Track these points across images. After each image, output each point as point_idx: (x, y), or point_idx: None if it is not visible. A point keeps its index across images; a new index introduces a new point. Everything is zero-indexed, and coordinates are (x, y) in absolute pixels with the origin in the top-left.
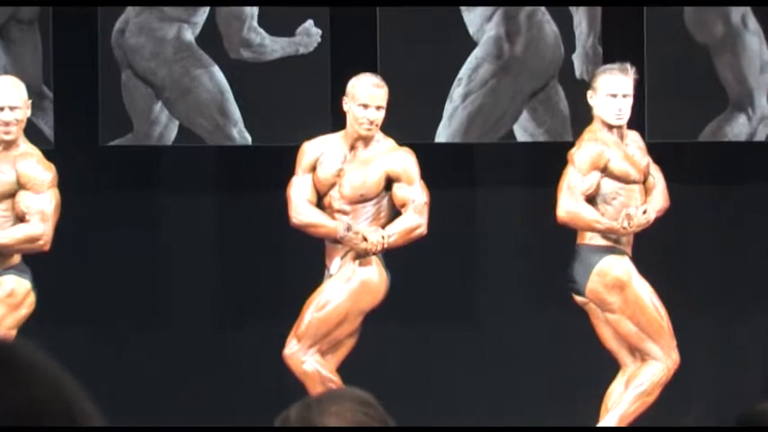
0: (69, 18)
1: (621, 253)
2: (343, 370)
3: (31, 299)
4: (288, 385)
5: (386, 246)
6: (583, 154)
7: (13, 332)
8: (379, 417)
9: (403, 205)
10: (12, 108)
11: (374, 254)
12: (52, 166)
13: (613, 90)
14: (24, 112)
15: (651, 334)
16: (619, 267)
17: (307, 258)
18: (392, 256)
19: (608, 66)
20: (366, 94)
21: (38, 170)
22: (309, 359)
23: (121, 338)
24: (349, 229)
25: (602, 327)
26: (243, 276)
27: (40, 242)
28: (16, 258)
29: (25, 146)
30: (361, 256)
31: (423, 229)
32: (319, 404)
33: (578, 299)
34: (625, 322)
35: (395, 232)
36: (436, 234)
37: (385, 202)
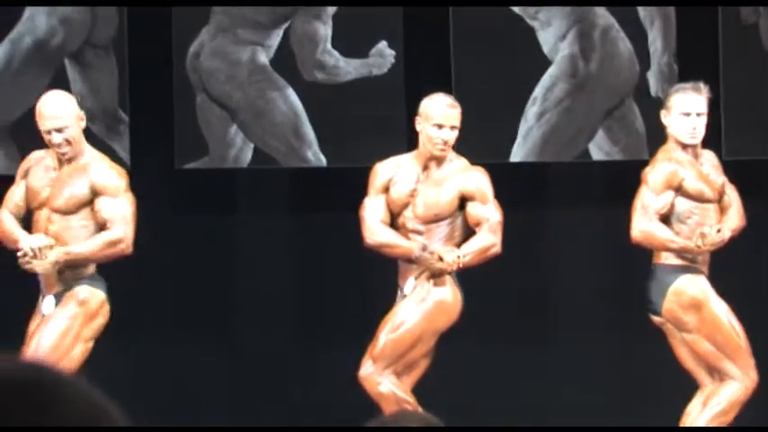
0: (144, 42)
1: (698, 272)
2: (417, 390)
3: (106, 309)
4: (363, 407)
5: (461, 265)
6: (657, 173)
7: (91, 343)
8: None
9: (477, 224)
10: (59, 130)
11: (449, 273)
12: (124, 171)
13: (687, 109)
14: (77, 126)
15: (729, 353)
16: (695, 287)
17: (381, 279)
18: (466, 276)
19: (681, 85)
20: (440, 114)
21: (111, 175)
22: (385, 380)
23: (196, 358)
24: (425, 249)
25: (679, 347)
26: (317, 297)
27: (122, 245)
28: (90, 269)
29: (91, 153)
30: (436, 276)
31: (497, 249)
32: (386, 423)
33: (655, 319)
34: (702, 342)
35: (470, 252)
36: (511, 254)
37: (459, 221)
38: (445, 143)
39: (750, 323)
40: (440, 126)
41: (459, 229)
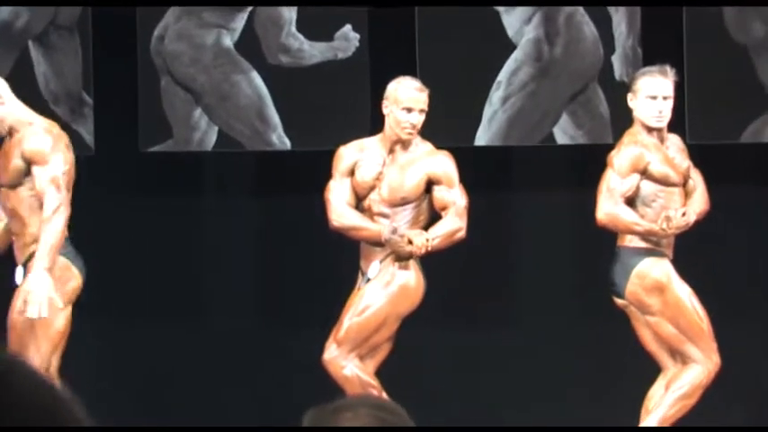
0: (108, 24)
1: (662, 255)
2: (381, 375)
3: (73, 271)
4: (327, 390)
5: (429, 248)
6: (622, 156)
7: (69, 308)
8: (397, 421)
9: (443, 208)
10: None
11: (418, 257)
12: (52, 130)
13: (653, 92)
14: None
15: (691, 337)
16: (658, 270)
17: (345, 263)
18: (431, 260)
19: (648, 68)
20: (409, 98)
21: (38, 141)
22: (349, 364)
23: (159, 341)
24: (394, 232)
25: (642, 329)
26: (282, 281)
27: (61, 208)
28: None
29: (17, 125)
30: (402, 260)
31: (463, 233)
32: (334, 409)
33: (618, 301)
34: (665, 325)
35: (438, 235)
36: (476, 237)
37: (424, 205)
38: (413, 127)
39: (714, 307)
40: (409, 110)
41: (425, 213)
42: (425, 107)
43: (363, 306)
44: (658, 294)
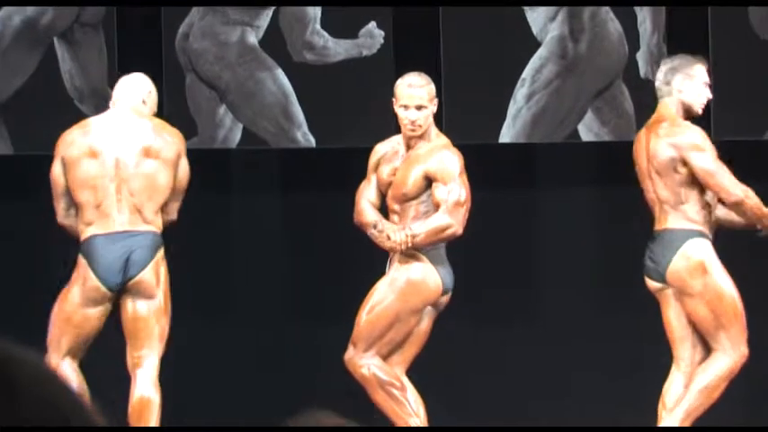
0: (133, 21)
1: (707, 237)
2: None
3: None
4: (352, 388)
5: (410, 245)
6: (701, 136)
7: (82, 307)
8: None
9: (438, 205)
10: None
11: (401, 252)
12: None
13: (707, 80)
14: None
15: (725, 323)
16: (704, 251)
17: (370, 258)
18: (456, 256)
19: (698, 56)
20: (404, 95)
21: None
22: (366, 363)
23: (186, 337)
24: (375, 226)
25: (672, 313)
26: (307, 278)
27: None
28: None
29: None
30: (408, 256)
31: (454, 229)
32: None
33: (652, 285)
34: (702, 307)
35: (421, 231)
36: (500, 234)
37: (431, 201)
38: (413, 123)
39: (749, 304)
40: (405, 107)
41: (433, 210)
42: (424, 102)
43: (372, 303)
44: (701, 275)
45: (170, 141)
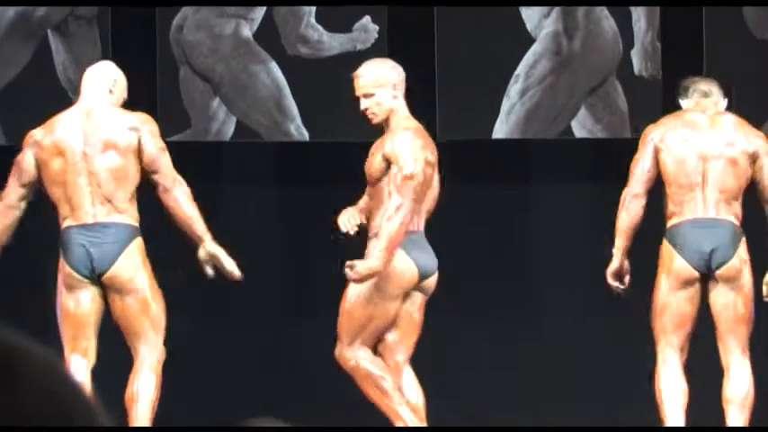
0: (128, 14)
1: None
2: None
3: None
4: (345, 380)
5: (378, 269)
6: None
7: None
8: None
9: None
10: None
11: (351, 237)
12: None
13: None
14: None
15: (749, 323)
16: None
17: (363, 253)
18: (448, 251)
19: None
20: (354, 86)
21: None
22: (353, 355)
23: (179, 333)
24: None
25: (720, 307)
26: (300, 272)
27: None
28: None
29: None
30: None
31: (405, 206)
32: None
33: (696, 274)
34: (749, 301)
35: (381, 249)
36: (493, 230)
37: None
38: (365, 111)
39: None
40: (358, 98)
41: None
42: (367, 90)
43: (349, 296)
44: (747, 271)
45: (129, 128)
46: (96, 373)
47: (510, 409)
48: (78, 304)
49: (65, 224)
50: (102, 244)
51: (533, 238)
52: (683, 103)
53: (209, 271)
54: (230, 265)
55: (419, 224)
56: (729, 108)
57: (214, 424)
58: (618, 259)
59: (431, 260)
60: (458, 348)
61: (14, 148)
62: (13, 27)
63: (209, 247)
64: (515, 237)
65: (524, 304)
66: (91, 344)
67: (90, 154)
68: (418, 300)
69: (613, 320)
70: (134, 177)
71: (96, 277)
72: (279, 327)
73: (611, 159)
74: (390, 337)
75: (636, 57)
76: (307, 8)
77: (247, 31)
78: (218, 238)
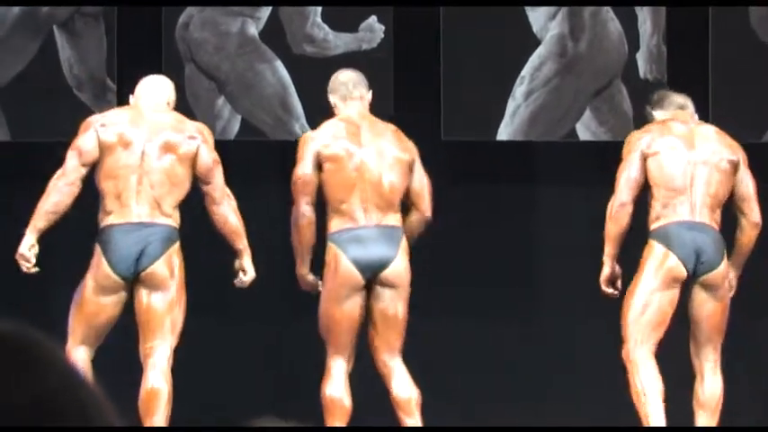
0: (134, 12)
1: None
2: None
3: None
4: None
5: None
6: None
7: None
8: None
9: None
10: None
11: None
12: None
13: None
14: None
15: (723, 332)
16: None
17: None
18: (450, 252)
19: None
20: None
21: None
22: (328, 363)
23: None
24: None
25: (706, 313)
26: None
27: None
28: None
29: None
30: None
31: (294, 212)
32: None
33: (680, 277)
34: (725, 312)
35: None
36: (496, 231)
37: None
38: None
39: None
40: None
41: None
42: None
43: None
44: (727, 281)
45: (190, 136)
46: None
47: (510, 410)
48: (104, 308)
49: (107, 221)
50: (151, 241)
51: (536, 240)
52: (658, 114)
53: (240, 281)
54: (247, 278)
55: (357, 218)
56: (732, 110)
57: (214, 423)
58: (609, 266)
59: (370, 252)
60: (459, 349)
61: (20, 145)
62: (19, 22)
63: (245, 262)
64: (518, 238)
65: (526, 305)
66: (99, 342)
67: (149, 153)
68: (385, 294)
69: (616, 323)
70: (185, 184)
71: (136, 275)
72: (282, 324)
73: (615, 162)
74: (370, 338)
75: (641, 59)
76: (312, 7)
77: (253, 30)
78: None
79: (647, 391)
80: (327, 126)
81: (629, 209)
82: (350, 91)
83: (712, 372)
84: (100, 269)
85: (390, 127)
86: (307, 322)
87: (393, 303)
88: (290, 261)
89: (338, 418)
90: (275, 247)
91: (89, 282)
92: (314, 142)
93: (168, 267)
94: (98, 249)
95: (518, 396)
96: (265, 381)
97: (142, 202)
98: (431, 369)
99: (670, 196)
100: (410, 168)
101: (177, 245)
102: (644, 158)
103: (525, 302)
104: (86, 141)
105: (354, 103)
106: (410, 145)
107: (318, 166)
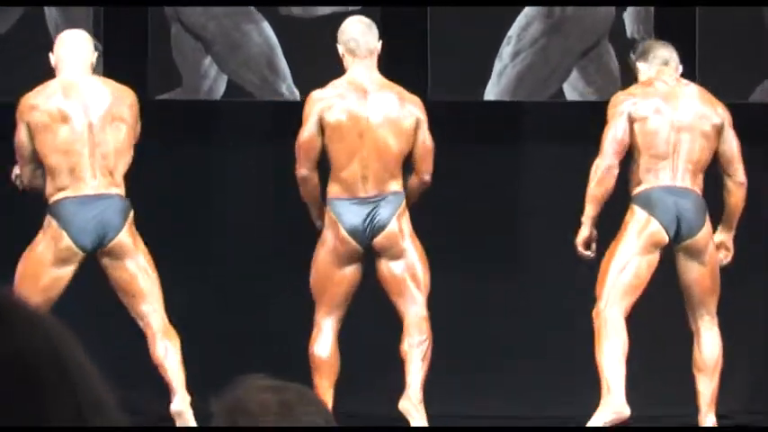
0: None
1: None
2: (393, 325)
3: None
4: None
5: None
6: None
7: (54, 267)
8: (299, 401)
9: None
10: None
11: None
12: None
13: None
14: None
15: (716, 292)
16: None
17: None
18: (436, 213)
19: None
20: None
21: None
22: (316, 320)
23: (172, 290)
24: None
25: (692, 276)
26: (291, 230)
27: None
28: (50, 200)
29: None
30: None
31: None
32: (234, 407)
33: (662, 242)
34: (715, 269)
35: None
36: (484, 191)
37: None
38: None
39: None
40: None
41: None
42: None
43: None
44: (713, 243)
45: (126, 102)
46: None
47: (499, 365)
48: (59, 279)
49: (61, 195)
50: (109, 212)
51: (523, 200)
52: (641, 66)
53: None
54: None
55: (356, 188)
56: (717, 71)
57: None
58: (588, 228)
59: (366, 221)
60: (443, 305)
61: (4, 106)
62: None
63: None
64: (505, 198)
65: (512, 267)
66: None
67: (96, 124)
68: (381, 262)
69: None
70: (130, 150)
71: (99, 247)
72: (273, 286)
73: (603, 122)
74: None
75: (628, 19)
76: None
77: None
78: (207, 195)
79: (611, 353)
80: (333, 87)
81: (616, 171)
82: (358, 47)
83: (709, 332)
84: (60, 242)
85: (396, 88)
86: (300, 279)
87: (393, 269)
88: (277, 219)
89: (326, 377)
90: (262, 206)
91: (45, 254)
92: (319, 104)
93: (131, 235)
94: (53, 223)
95: (506, 351)
96: (251, 340)
97: (96, 174)
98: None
99: (653, 162)
100: (414, 132)
101: (132, 213)
102: (630, 122)
103: (511, 262)
104: (21, 137)
105: (362, 63)
106: (414, 109)
107: (321, 130)
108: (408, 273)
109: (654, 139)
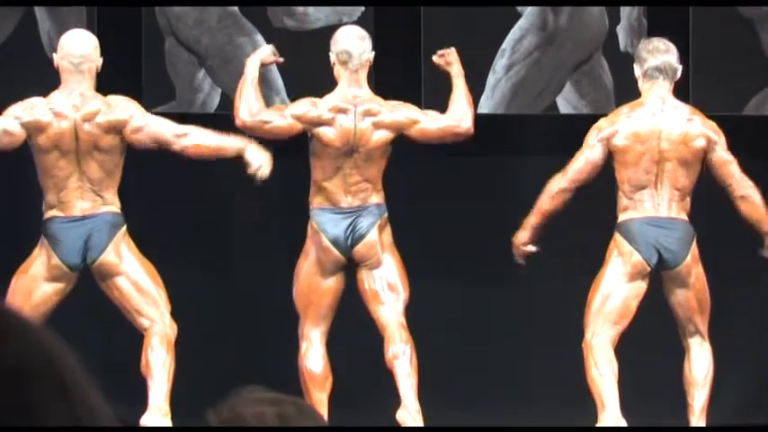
0: None
1: None
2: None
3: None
4: (346, 335)
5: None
6: None
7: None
8: (297, 414)
9: None
10: None
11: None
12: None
13: None
14: None
15: (705, 310)
16: None
17: None
18: (431, 225)
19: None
20: None
21: None
22: (302, 334)
23: (182, 294)
24: None
25: (679, 299)
26: (293, 243)
27: None
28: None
29: None
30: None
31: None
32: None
33: (644, 269)
34: (701, 294)
35: None
36: (475, 204)
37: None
38: None
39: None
40: None
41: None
42: None
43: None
44: (698, 265)
45: (113, 120)
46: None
47: (495, 375)
48: (50, 295)
49: (50, 213)
50: (94, 233)
51: (516, 213)
52: (636, 69)
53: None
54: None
55: (338, 201)
56: (710, 84)
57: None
58: (528, 233)
59: (338, 225)
60: (440, 314)
61: None
62: None
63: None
64: (498, 211)
65: (505, 279)
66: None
67: (83, 150)
68: (362, 272)
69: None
70: (119, 169)
71: (85, 266)
72: (281, 289)
73: None
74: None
75: (622, 33)
76: None
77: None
78: (206, 207)
79: (601, 373)
80: (328, 101)
81: (568, 196)
82: (350, 58)
83: (699, 347)
84: (51, 259)
85: (392, 104)
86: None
87: (370, 279)
88: (276, 232)
89: (320, 390)
90: (258, 217)
91: (39, 269)
92: (314, 110)
93: (117, 254)
94: (44, 240)
95: (505, 360)
96: (259, 348)
97: (85, 197)
98: (416, 331)
99: (633, 192)
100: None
101: (123, 229)
102: (605, 152)
103: (507, 274)
104: (9, 126)
105: (353, 75)
106: (410, 112)
107: (310, 138)
108: (385, 282)
109: (635, 171)
